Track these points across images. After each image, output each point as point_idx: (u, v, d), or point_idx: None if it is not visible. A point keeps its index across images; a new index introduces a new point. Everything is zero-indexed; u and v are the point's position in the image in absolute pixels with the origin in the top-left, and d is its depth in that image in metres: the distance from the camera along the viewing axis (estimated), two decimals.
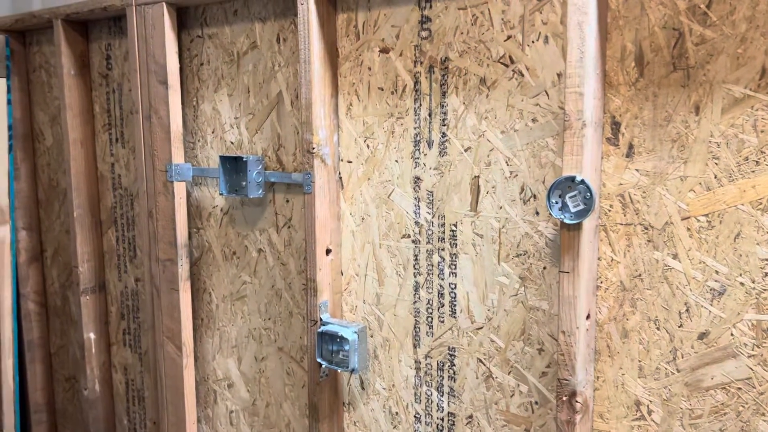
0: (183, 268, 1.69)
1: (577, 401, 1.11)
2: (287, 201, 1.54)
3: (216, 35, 1.62)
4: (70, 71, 1.89)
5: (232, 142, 1.63)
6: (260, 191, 1.53)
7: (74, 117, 1.91)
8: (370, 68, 1.37)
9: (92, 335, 2.01)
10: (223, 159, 1.54)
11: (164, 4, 1.59)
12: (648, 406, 1.13)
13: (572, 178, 1.06)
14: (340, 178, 1.45)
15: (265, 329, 1.64)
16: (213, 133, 1.67)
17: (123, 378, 2.04)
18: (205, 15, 1.63)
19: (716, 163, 1.02)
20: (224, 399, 1.77)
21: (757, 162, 0.99)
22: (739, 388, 1.04)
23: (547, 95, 1.16)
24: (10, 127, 2.07)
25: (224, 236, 1.69)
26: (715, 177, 1.02)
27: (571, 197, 1.07)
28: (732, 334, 1.04)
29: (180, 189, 1.67)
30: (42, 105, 2.08)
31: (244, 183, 1.54)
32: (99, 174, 1.98)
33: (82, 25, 1.91)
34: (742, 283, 1.02)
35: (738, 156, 1.00)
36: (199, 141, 1.70)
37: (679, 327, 1.08)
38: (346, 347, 1.39)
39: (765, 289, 1.00)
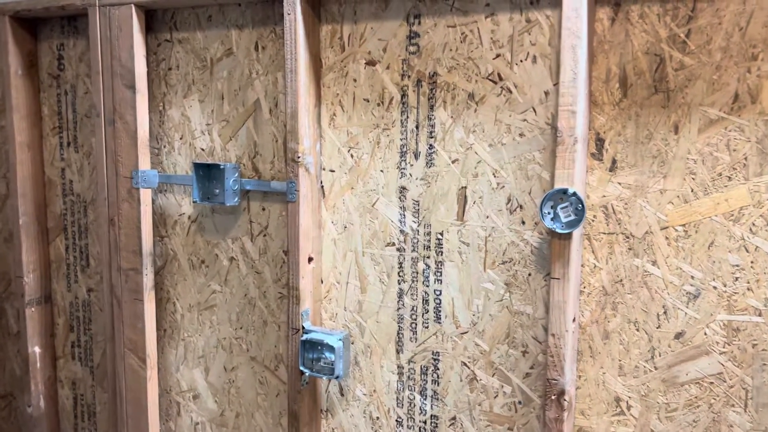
0: (148, 278, 1.65)
1: (565, 399, 1.19)
2: (263, 209, 1.54)
3: (187, 40, 1.59)
4: (17, 71, 1.80)
5: (202, 149, 1.60)
6: (236, 199, 1.52)
7: (21, 119, 1.81)
8: (355, 80, 1.40)
9: (37, 349, 1.91)
10: (197, 166, 1.52)
11: (133, 5, 1.55)
12: (627, 401, 1.22)
13: (564, 191, 1.14)
14: (322, 186, 1.46)
15: (237, 338, 1.62)
16: (181, 139, 1.63)
17: (70, 393, 1.95)
18: (175, 19, 1.60)
19: (693, 178, 1.12)
20: (189, 411, 1.73)
21: (729, 177, 1.09)
22: (711, 383, 1.15)
23: (535, 112, 1.23)
24: None
25: (191, 244, 1.66)
26: (692, 190, 1.12)
27: (562, 208, 1.15)
28: (705, 334, 1.14)
29: (146, 196, 1.62)
30: None
31: (218, 191, 1.52)
32: (47, 179, 1.88)
33: (31, 23, 1.81)
34: (715, 287, 1.12)
35: (713, 172, 1.11)
36: (164, 147, 1.66)
37: (657, 328, 1.18)
38: (328, 355, 1.41)
39: (735, 293, 1.11)
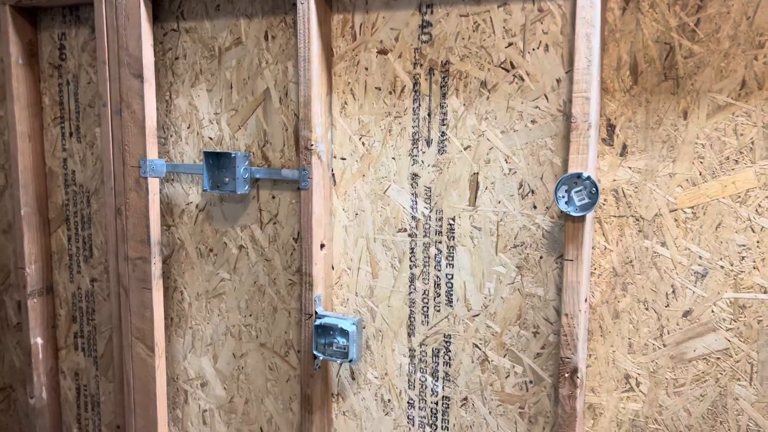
0: (156, 267, 1.65)
1: (577, 377, 1.23)
2: (273, 197, 1.55)
3: (194, 29, 1.59)
4: (18, 60, 1.79)
5: (211, 138, 1.61)
6: (247, 187, 1.53)
7: (21, 109, 1.81)
8: (367, 68, 1.42)
9: (39, 340, 1.90)
10: (208, 155, 1.53)
11: None
12: (636, 378, 1.26)
13: (578, 175, 1.17)
14: (333, 174, 1.48)
15: (246, 326, 1.64)
16: (189, 128, 1.64)
17: (73, 384, 1.95)
18: (182, 8, 1.60)
19: (701, 162, 1.17)
20: (196, 398, 1.74)
21: (736, 161, 1.14)
22: (718, 358, 1.19)
23: (547, 99, 1.26)
24: None
25: (199, 233, 1.67)
26: (700, 174, 1.17)
27: (576, 192, 1.18)
28: (713, 311, 1.19)
29: (154, 185, 1.63)
30: None
31: (227, 179, 1.53)
32: (48, 170, 1.88)
33: (31, 13, 1.80)
34: (722, 266, 1.17)
35: (720, 156, 1.15)
36: (171, 136, 1.67)
37: (666, 307, 1.22)
38: (340, 339, 1.43)
39: (741, 271, 1.16)
